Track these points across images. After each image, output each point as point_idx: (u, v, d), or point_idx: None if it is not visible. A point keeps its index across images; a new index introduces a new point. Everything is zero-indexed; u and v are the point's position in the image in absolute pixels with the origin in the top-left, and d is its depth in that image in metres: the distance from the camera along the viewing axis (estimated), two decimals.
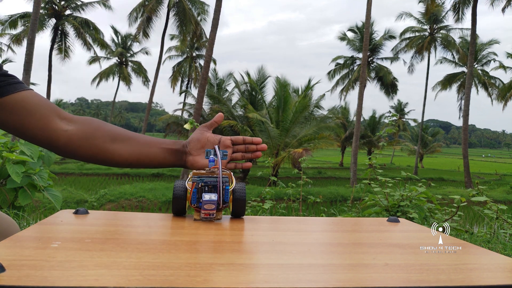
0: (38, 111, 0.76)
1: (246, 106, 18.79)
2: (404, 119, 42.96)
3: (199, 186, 0.74)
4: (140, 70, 34.37)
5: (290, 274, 0.48)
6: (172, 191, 0.78)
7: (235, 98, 23.17)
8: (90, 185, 15.73)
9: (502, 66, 29.03)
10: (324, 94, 21.33)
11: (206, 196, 0.72)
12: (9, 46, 23.84)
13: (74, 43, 31.54)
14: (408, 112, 44.87)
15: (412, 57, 31.29)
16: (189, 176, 0.77)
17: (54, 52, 25.58)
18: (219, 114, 0.88)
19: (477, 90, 32.48)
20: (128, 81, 33.70)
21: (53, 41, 25.39)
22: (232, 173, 0.79)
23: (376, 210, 3.26)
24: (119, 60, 33.97)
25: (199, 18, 25.45)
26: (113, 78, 34.06)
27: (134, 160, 0.82)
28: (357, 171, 15.53)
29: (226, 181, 0.76)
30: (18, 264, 0.45)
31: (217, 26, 13.99)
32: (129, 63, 34.57)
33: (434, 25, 29.73)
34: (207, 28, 26.28)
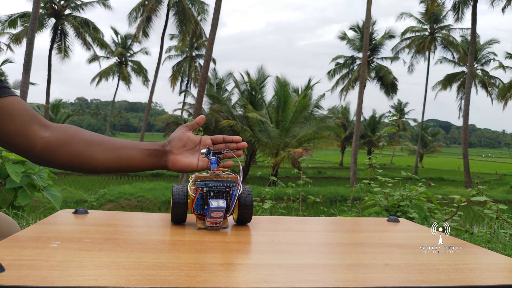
0: (19, 117, 0.76)
1: (246, 106, 18.78)
2: (404, 119, 42.95)
3: (204, 191, 0.68)
4: (140, 69, 34.35)
5: (290, 274, 0.48)
6: (171, 192, 0.73)
7: (234, 98, 23.17)
8: (90, 185, 15.73)
9: (501, 66, 29.03)
10: (324, 94, 21.32)
11: (214, 203, 0.65)
12: (8, 46, 23.82)
13: (73, 42, 31.53)
14: (408, 112, 44.87)
15: (412, 57, 31.31)
16: (191, 180, 0.70)
17: (54, 52, 25.57)
18: (201, 116, 0.86)
19: (477, 90, 32.50)
20: (127, 81, 33.68)
21: (52, 41, 25.38)
22: (238, 176, 0.73)
23: (376, 210, 3.26)
24: (118, 60, 33.95)
25: (199, 18, 25.44)
26: (113, 78, 34.04)
27: (110, 164, 0.80)
28: (357, 171, 15.53)
29: (233, 186, 0.69)
30: (17, 264, 0.45)
31: (216, 25, 13.99)
32: (129, 63, 34.56)
33: (435, 25, 29.74)
34: (206, 27, 26.28)
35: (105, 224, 0.71)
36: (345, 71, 33.73)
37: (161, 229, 0.69)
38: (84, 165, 0.80)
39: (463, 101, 22.20)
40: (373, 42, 32.25)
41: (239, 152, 0.86)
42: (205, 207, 0.68)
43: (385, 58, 33.71)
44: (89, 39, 25.46)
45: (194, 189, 0.68)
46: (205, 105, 20.94)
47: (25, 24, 23.07)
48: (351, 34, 33.32)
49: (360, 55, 31.11)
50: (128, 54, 34.56)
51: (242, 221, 0.74)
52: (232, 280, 0.45)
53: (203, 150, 0.75)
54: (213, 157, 0.73)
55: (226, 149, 0.85)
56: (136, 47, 37.55)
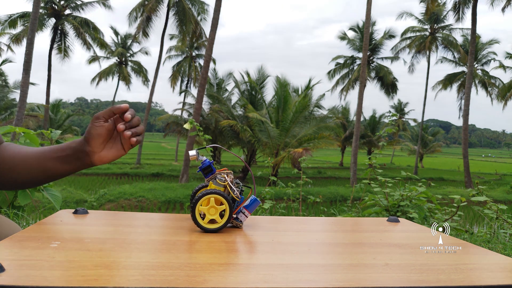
0: None
1: (246, 106, 18.77)
2: (404, 119, 42.93)
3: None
4: (140, 69, 34.35)
5: (290, 274, 0.48)
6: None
7: (234, 98, 23.18)
8: (90, 185, 15.74)
9: (501, 66, 29.03)
10: (324, 94, 21.30)
11: (258, 198, 0.70)
12: (8, 46, 23.81)
13: (73, 42, 31.53)
14: (408, 112, 44.84)
15: (412, 56, 31.30)
16: (223, 182, 0.68)
17: (54, 52, 25.56)
18: (125, 105, 0.79)
19: (477, 90, 32.50)
20: (127, 81, 33.68)
21: (52, 41, 25.37)
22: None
23: (376, 210, 3.26)
24: (118, 60, 33.96)
25: (199, 18, 25.42)
26: (113, 78, 34.05)
27: (37, 181, 0.80)
28: (357, 171, 15.52)
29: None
30: (17, 264, 0.45)
31: (217, 25, 13.99)
32: (129, 63, 34.56)
33: (435, 25, 29.74)
34: (206, 27, 26.26)
35: (105, 224, 0.71)
36: (345, 71, 33.73)
37: (161, 229, 0.69)
38: (11, 186, 0.83)
39: (463, 101, 22.22)
40: (373, 42, 32.25)
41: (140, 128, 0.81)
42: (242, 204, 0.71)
43: (385, 58, 33.72)
44: (89, 39, 25.45)
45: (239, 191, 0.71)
46: (205, 105, 20.96)
47: (25, 24, 23.05)
48: (351, 34, 33.36)
49: (360, 55, 31.13)
50: (128, 54, 34.56)
51: None
52: (232, 280, 0.45)
53: (192, 152, 0.71)
54: (206, 158, 0.72)
55: (122, 123, 0.77)
56: (136, 47, 37.63)
